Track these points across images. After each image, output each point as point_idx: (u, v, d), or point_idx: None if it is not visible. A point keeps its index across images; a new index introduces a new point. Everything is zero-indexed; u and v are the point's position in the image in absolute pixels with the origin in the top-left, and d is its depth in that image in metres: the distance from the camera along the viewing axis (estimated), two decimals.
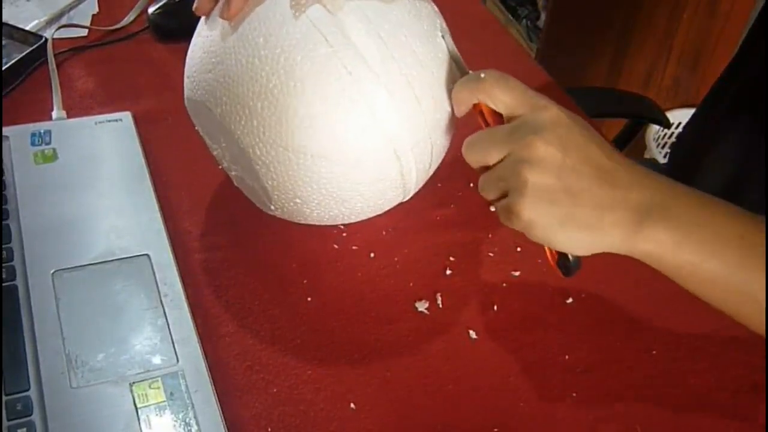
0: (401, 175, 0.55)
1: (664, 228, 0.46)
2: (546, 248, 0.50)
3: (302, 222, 0.60)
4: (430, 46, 0.54)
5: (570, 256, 0.48)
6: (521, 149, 0.47)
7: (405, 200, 0.61)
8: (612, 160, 0.48)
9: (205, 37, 0.55)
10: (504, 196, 0.48)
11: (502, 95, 0.49)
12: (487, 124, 0.51)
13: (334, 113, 0.51)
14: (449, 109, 0.55)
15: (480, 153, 0.49)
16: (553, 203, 0.46)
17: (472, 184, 0.70)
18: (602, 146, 0.48)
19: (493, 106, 0.50)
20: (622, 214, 0.46)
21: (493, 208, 0.66)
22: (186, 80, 0.57)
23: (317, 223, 0.60)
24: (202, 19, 0.56)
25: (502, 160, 0.48)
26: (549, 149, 0.46)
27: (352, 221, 0.61)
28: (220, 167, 0.64)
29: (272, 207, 0.57)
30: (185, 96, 0.58)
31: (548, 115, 0.48)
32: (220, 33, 0.53)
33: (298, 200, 0.55)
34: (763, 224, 0.47)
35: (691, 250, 0.46)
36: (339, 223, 0.61)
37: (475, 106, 0.52)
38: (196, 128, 0.60)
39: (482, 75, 0.50)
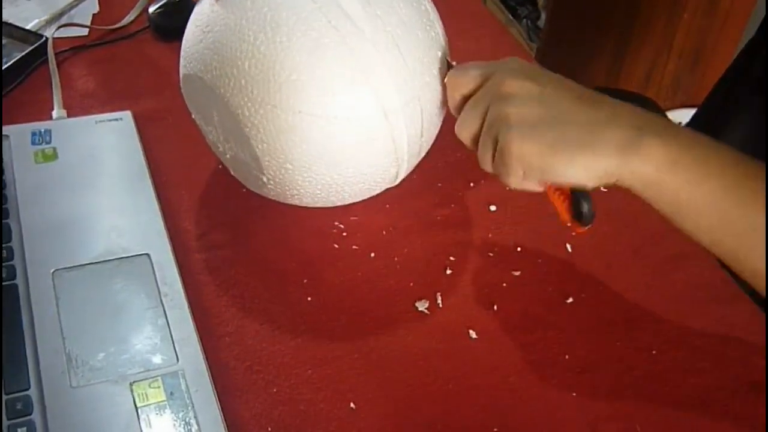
0: (392, 140, 0.55)
1: (659, 144, 0.44)
2: (558, 205, 0.49)
3: (296, 200, 0.59)
4: (414, 11, 0.56)
5: (582, 203, 0.47)
6: (498, 92, 0.48)
7: (398, 178, 0.60)
8: (591, 92, 0.48)
9: (196, 14, 0.57)
10: (492, 145, 0.48)
11: (467, 79, 0.51)
12: None
13: (320, 67, 0.51)
14: (437, 76, 0.56)
15: (467, 122, 0.50)
16: (540, 129, 0.46)
17: (472, 184, 0.70)
18: (574, 83, 0.49)
19: (469, 92, 0.51)
20: (616, 131, 0.45)
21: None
22: (181, 61, 0.58)
23: (311, 203, 0.60)
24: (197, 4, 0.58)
25: (485, 117, 0.49)
26: (524, 83, 0.47)
27: (347, 201, 0.61)
28: (218, 159, 0.64)
29: (265, 179, 0.57)
30: (180, 77, 0.59)
31: (512, 63, 0.50)
32: (209, 5, 0.55)
33: (289, 165, 0.55)
34: (757, 161, 0.45)
35: (688, 169, 0.44)
36: (334, 201, 0.61)
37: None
38: (192, 117, 0.61)
39: (445, 80, 0.53)
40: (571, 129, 0.45)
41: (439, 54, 0.57)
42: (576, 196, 0.48)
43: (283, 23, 0.51)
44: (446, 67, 0.58)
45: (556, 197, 0.50)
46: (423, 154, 0.62)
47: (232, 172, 0.63)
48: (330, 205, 0.62)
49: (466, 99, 0.52)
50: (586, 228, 0.48)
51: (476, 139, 0.50)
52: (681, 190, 0.45)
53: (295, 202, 0.60)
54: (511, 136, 0.46)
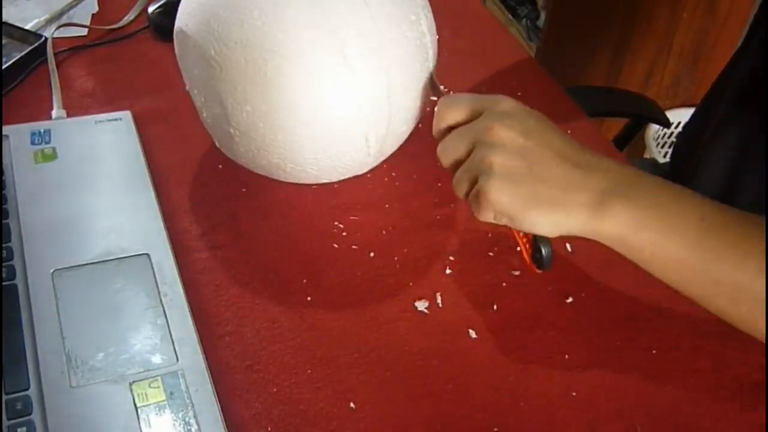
0: (354, 90, 0.55)
1: (625, 208, 0.47)
2: (521, 245, 0.53)
3: (265, 160, 0.59)
4: None
5: (542, 250, 0.50)
6: (484, 137, 0.50)
7: (370, 149, 0.60)
8: (571, 145, 0.51)
9: None
10: (474, 186, 0.51)
11: (457, 112, 0.53)
12: None
13: (279, 3, 0.53)
14: (411, 41, 0.57)
15: (449, 149, 0.52)
16: (518, 182, 0.48)
17: None
18: (560, 133, 0.51)
19: (454, 123, 0.53)
20: (584, 194, 0.48)
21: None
22: (175, 24, 0.61)
23: (282, 167, 0.59)
24: None
25: (469, 154, 0.51)
26: (510, 133, 0.49)
27: (320, 164, 0.60)
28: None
29: (232, 130, 0.58)
30: (174, 42, 0.61)
31: (506, 104, 0.52)
32: None
33: (248, 107, 0.55)
34: (725, 210, 0.48)
35: (651, 229, 0.47)
36: (303, 165, 0.60)
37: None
38: (187, 88, 0.62)
39: (436, 108, 0.54)
40: (545, 187, 0.48)
41: (412, 18, 0.58)
42: (537, 241, 0.51)
43: None
44: (436, 89, 0.59)
45: (520, 237, 0.54)
46: (398, 128, 0.61)
47: (216, 144, 0.63)
48: (303, 176, 0.61)
49: (450, 128, 0.54)
50: (543, 271, 0.52)
51: (455, 166, 0.53)
52: (644, 248, 0.48)
53: (264, 164, 0.60)
54: (490, 185, 0.48)
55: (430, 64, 0.60)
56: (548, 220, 0.48)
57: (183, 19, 0.59)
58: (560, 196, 0.48)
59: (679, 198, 0.49)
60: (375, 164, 0.63)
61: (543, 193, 0.48)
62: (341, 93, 0.55)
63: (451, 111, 0.53)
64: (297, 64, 0.54)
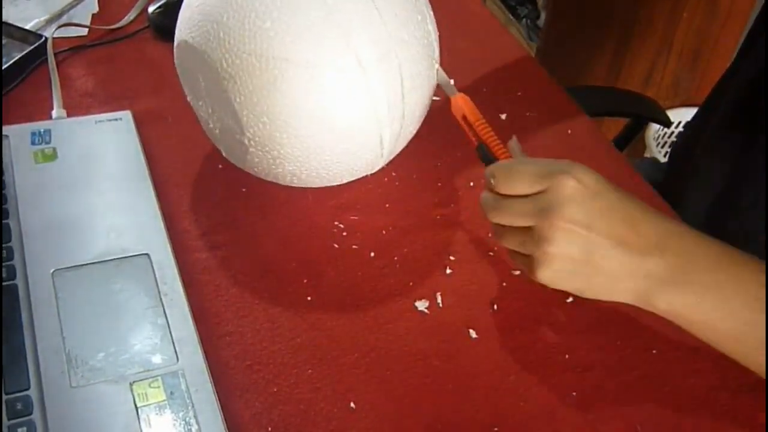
0: (369, 93, 0.55)
1: (677, 296, 0.48)
2: None
3: (280, 168, 0.59)
4: None
5: None
6: (547, 227, 0.48)
7: (384, 150, 0.60)
8: (634, 224, 0.49)
9: None
10: (523, 252, 0.51)
11: (517, 184, 0.50)
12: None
13: (293, 14, 0.53)
14: (420, 40, 0.58)
15: (502, 219, 0.51)
16: (573, 274, 0.49)
17: (472, 183, 0.70)
18: (624, 209, 0.49)
19: (515, 193, 0.51)
20: (635, 282, 0.49)
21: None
22: (176, 35, 0.60)
23: (296, 174, 0.59)
24: None
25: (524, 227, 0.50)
26: (573, 227, 0.48)
27: (332, 171, 0.60)
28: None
29: (246, 140, 0.57)
30: (174, 52, 0.60)
31: (570, 188, 0.48)
32: None
33: (265, 119, 0.55)
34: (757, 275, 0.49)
35: (705, 311, 0.48)
36: (318, 171, 0.59)
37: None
38: (188, 98, 0.61)
39: (492, 180, 0.51)
40: (597, 280, 0.49)
41: (418, 17, 0.58)
42: None
43: None
44: (447, 86, 0.59)
45: None
46: (409, 127, 0.61)
47: (223, 153, 0.63)
48: (317, 180, 0.61)
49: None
50: None
51: (507, 235, 0.52)
52: (699, 330, 0.49)
53: (279, 172, 0.60)
54: (543, 271, 0.49)
55: (436, 61, 0.60)
56: (594, 298, 0.51)
57: (186, 31, 0.58)
58: (609, 287, 0.49)
59: (736, 274, 0.49)
60: (384, 164, 0.64)
61: (594, 284, 0.49)
62: (358, 97, 0.55)
63: (510, 183, 0.50)
64: (313, 72, 0.53)
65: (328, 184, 0.63)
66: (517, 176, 0.50)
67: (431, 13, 0.61)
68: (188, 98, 0.62)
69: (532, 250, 0.50)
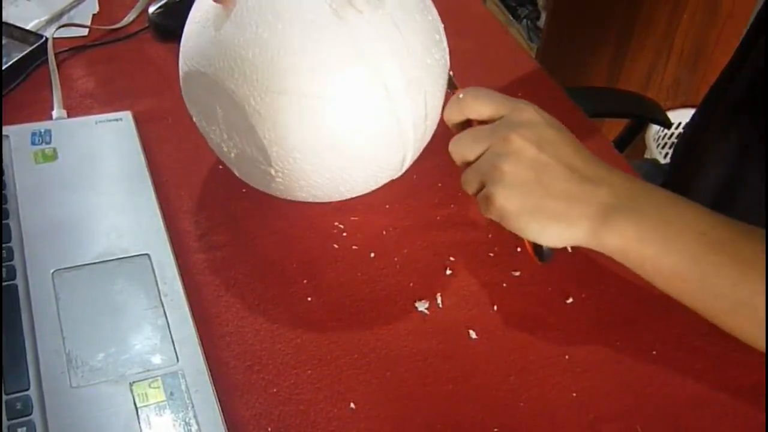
0: (397, 121, 0.56)
1: (628, 223, 0.48)
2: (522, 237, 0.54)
3: (304, 192, 0.59)
4: None
5: (543, 246, 0.51)
6: (499, 144, 0.51)
7: (405, 164, 0.60)
8: (583, 158, 0.51)
9: (195, 11, 0.57)
10: (483, 187, 0.52)
11: (482, 107, 0.54)
12: None
13: (322, 50, 0.52)
14: (440, 61, 0.58)
15: (463, 148, 0.53)
16: (526, 193, 0.49)
17: None
18: (574, 145, 0.52)
19: (478, 118, 0.54)
20: (589, 207, 0.49)
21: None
22: (181, 59, 0.58)
23: (318, 195, 0.59)
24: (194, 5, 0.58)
25: (482, 155, 0.52)
26: (525, 144, 0.50)
27: (354, 191, 0.60)
28: (218, 159, 0.63)
29: (273, 171, 0.57)
30: (180, 77, 0.59)
31: (526, 114, 0.52)
32: (207, 1, 0.55)
33: (297, 154, 0.55)
34: (728, 224, 0.49)
35: (652, 243, 0.48)
36: (341, 192, 0.60)
37: (467, 121, 0.56)
38: (194, 119, 0.61)
39: (461, 96, 0.55)
40: (551, 200, 0.49)
41: (437, 37, 0.58)
42: None
43: (284, 9, 0.52)
44: (449, 83, 0.60)
45: None
46: (427, 139, 0.62)
47: (236, 173, 0.62)
48: (337, 197, 0.62)
49: (467, 120, 0.55)
50: (544, 263, 0.53)
51: (466, 164, 0.54)
52: (645, 262, 0.49)
53: (302, 195, 0.60)
54: (497, 191, 0.50)
55: (448, 73, 0.61)
56: (551, 232, 0.49)
57: (200, 61, 0.55)
58: (565, 209, 0.49)
59: (683, 213, 0.49)
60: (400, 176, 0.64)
61: (548, 206, 0.49)
62: (385, 125, 0.55)
63: (476, 105, 0.54)
64: (342, 105, 0.53)
65: (347, 198, 0.63)
66: (481, 99, 0.54)
67: (442, 26, 0.60)
68: (195, 119, 0.61)
69: (487, 173, 0.51)
